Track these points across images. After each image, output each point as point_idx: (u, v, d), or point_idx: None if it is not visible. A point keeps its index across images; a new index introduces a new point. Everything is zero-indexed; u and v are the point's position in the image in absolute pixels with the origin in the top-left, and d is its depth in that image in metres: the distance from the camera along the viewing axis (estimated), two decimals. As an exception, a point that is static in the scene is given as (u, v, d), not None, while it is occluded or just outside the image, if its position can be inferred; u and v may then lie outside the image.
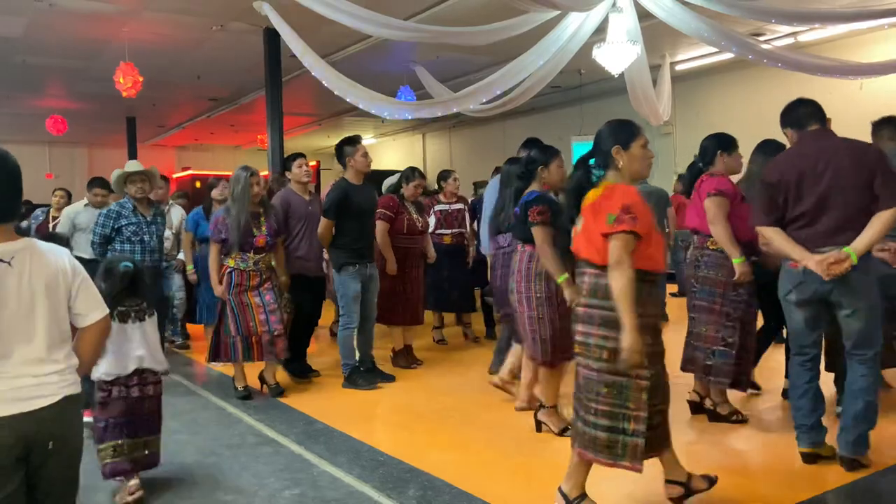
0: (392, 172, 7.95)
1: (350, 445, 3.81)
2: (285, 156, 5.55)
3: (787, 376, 4.05)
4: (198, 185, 14.24)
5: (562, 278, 3.61)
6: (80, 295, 2.00)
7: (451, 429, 4.08)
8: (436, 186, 6.92)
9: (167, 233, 6.17)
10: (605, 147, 2.79)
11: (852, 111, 9.83)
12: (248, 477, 3.39)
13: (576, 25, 7.21)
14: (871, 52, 9.02)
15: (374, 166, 6.08)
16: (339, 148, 5.13)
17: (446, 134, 17.78)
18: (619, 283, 2.56)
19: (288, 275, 5.06)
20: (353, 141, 5.13)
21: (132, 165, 5.40)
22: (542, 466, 3.47)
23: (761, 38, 8.92)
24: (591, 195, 2.73)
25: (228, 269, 4.70)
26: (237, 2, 7.44)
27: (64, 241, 4.41)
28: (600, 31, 7.29)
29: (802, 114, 3.41)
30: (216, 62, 10.11)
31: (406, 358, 5.68)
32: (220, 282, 4.74)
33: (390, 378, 5.15)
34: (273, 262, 4.87)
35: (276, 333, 4.71)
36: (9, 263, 1.85)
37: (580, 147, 11.52)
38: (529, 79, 7.95)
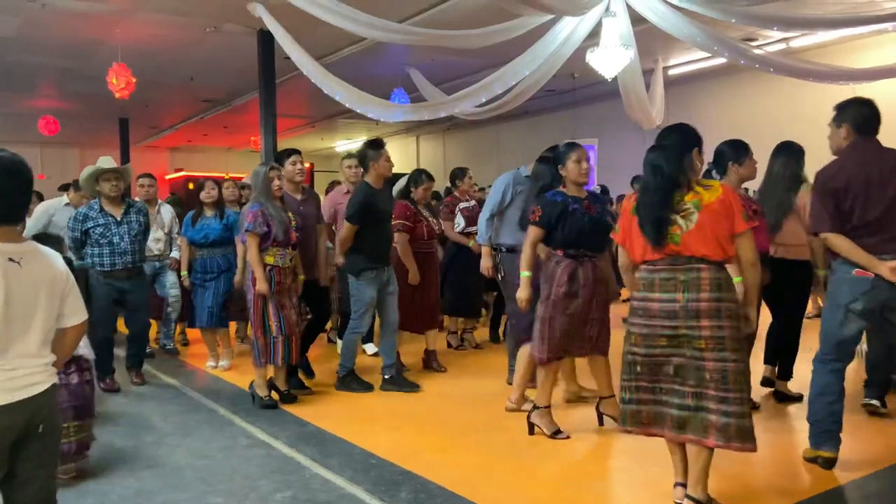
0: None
1: (342, 448, 3.80)
2: (284, 149, 5.38)
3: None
4: (191, 186, 14.21)
5: (523, 274, 3.87)
6: (69, 298, 2.12)
7: (444, 431, 4.08)
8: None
9: (158, 233, 6.05)
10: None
11: (843, 116, 9.95)
12: (240, 479, 3.38)
13: (569, 29, 7.24)
14: (862, 57, 9.09)
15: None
16: (363, 150, 5.00)
17: (440, 137, 17.80)
18: (758, 276, 2.87)
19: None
20: (378, 145, 4.98)
21: (105, 162, 5.16)
22: (535, 469, 3.47)
23: (753, 44, 8.98)
24: (706, 197, 2.80)
25: (268, 267, 4.49)
26: (231, 3, 7.43)
27: (57, 241, 4.40)
28: (594, 36, 7.32)
29: (869, 117, 3.33)
30: (210, 63, 10.10)
31: (435, 362, 5.57)
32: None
33: (415, 387, 4.95)
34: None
35: (300, 336, 4.66)
36: (18, 263, 1.96)
37: (573, 150, 11.52)
38: (523, 82, 7.97)
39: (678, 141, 2.94)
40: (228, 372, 5.67)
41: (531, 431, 3.94)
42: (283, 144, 10.50)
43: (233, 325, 6.29)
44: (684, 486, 2.88)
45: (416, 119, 9.88)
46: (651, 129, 9.46)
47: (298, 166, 5.18)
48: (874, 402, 4.17)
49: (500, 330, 6.58)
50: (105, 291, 5.00)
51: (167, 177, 18.55)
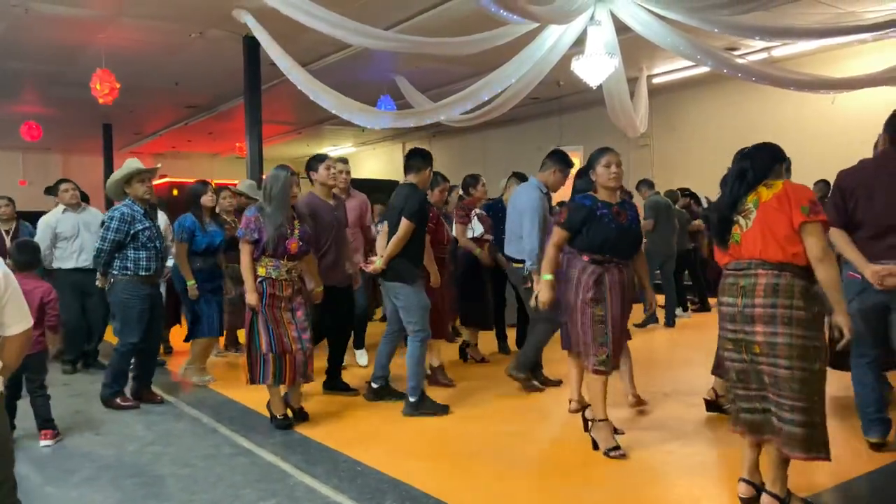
0: (372, 181, 7.97)
1: (327, 455, 3.78)
2: (317, 154, 5.21)
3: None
4: (175, 192, 14.11)
5: (546, 277, 3.75)
6: (8, 306, 2.06)
7: (430, 439, 4.07)
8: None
9: None
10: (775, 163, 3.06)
11: (825, 125, 10.09)
12: (224, 488, 3.35)
13: (555, 38, 7.29)
14: (843, 67, 9.22)
15: (353, 175, 6.08)
16: (411, 158, 4.80)
17: (426, 143, 17.82)
18: (831, 272, 2.67)
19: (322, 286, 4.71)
20: (428, 158, 4.83)
21: (136, 163, 4.94)
22: (521, 476, 3.47)
23: (736, 53, 9.09)
24: (764, 194, 2.77)
25: (259, 279, 4.23)
26: (217, 9, 7.42)
27: (32, 250, 4.34)
28: (579, 44, 7.38)
29: None
30: (195, 69, 10.06)
31: (442, 375, 5.32)
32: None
33: (402, 396, 4.64)
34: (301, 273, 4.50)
35: (309, 353, 4.32)
36: None
37: (559, 158, 11.59)
38: (509, 90, 8.01)
39: (769, 153, 2.96)
40: (216, 383, 5.62)
41: (595, 447, 3.71)
42: (268, 151, 10.50)
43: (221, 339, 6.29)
44: (747, 482, 2.92)
45: (403, 126, 9.89)
46: (635, 136, 9.55)
47: (333, 171, 5.00)
48: None
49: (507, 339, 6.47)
50: (143, 297, 4.79)
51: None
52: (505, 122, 12.72)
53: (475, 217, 6.12)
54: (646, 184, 8.48)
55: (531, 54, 7.46)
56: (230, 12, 7.34)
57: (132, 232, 4.74)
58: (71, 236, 5.89)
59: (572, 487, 3.35)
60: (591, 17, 7.03)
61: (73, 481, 3.47)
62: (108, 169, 15.21)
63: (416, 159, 4.77)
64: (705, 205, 10.12)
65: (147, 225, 4.82)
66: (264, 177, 5.53)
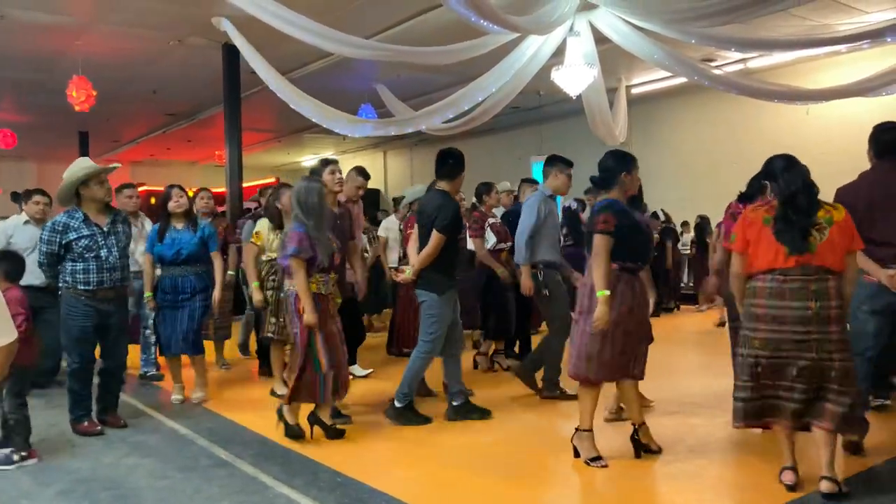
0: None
1: (307, 467, 3.74)
2: (322, 159, 5.00)
3: None
4: (153, 201, 13.98)
5: (601, 293, 3.50)
6: None
7: (411, 449, 4.05)
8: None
9: (142, 246, 5.44)
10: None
11: (799, 135, 10.25)
12: (202, 500, 3.30)
13: (535, 48, 7.35)
14: (816, 78, 9.38)
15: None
16: (444, 161, 4.63)
17: (407, 152, 17.84)
18: (853, 289, 3.28)
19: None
20: (461, 161, 4.68)
21: (85, 162, 4.47)
22: (502, 485, 3.46)
23: (712, 64, 9.22)
24: (836, 215, 3.19)
25: (313, 295, 4.06)
26: (195, 17, 7.38)
27: (18, 261, 4.20)
28: (559, 54, 7.44)
29: (887, 143, 3.76)
30: (173, 77, 9.99)
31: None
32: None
33: (487, 413, 4.56)
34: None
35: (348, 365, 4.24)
36: None
37: (540, 167, 11.67)
38: (490, 99, 8.05)
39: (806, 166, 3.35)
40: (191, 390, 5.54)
41: (576, 454, 3.71)
42: (248, 158, 10.43)
43: (209, 348, 6.03)
44: (792, 468, 3.22)
45: (384, 134, 9.89)
46: (614, 146, 9.63)
47: (338, 176, 4.84)
48: (879, 401, 4.44)
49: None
50: (85, 313, 4.31)
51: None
52: (486, 131, 12.77)
53: (488, 227, 5.99)
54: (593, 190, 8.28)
55: (511, 64, 7.51)
56: (209, 20, 7.30)
57: (64, 242, 4.29)
58: (28, 247, 5.30)
59: (555, 497, 3.36)
60: (571, 28, 7.10)
61: (48, 494, 3.40)
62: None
63: (450, 163, 4.59)
64: (662, 218, 10.35)
65: (87, 233, 4.30)
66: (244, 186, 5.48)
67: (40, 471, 3.74)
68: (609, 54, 7.83)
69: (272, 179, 14.75)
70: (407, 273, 4.51)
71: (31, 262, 5.15)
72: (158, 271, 5.12)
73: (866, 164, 3.92)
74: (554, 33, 7.06)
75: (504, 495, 3.34)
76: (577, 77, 7.37)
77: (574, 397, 4.86)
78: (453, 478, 3.58)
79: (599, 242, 3.56)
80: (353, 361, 5.87)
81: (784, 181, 3.24)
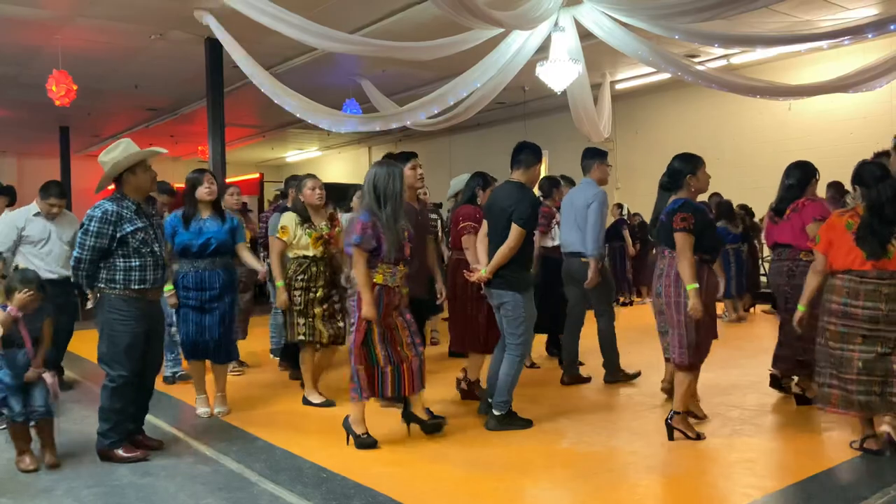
0: (339, 185, 7.86)
1: (292, 462, 3.73)
2: (403, 152, 4.79)
3: None
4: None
5: (691, 287, 3.75)
6: None
7: (395, 443, 4.05)
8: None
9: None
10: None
11: (781, 130, 10.35)
12: (185, 497, 3.28)
13: (519, 43, 7.35)
14: (798, 74, 9.47)
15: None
16: (520, 152, 4.42)
17: (393, 147, 17.79)
18: None
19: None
20: (538, 153, 4.48)
21: (130, 146, 3.91)
22: (487, 479, 3.47)
23: (696, 60, 9.27)
24: None
25: (376, 287, 3.89)
26: (177, 10, 7.30)
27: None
28: (543, 50, 7.45)
29: None
30: (155, 71, 9.89)
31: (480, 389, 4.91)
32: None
33: (529, 423, 4.31)
34: None
35: (423, 358, 4.04)
36: None
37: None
38: (475, 94, 8.05)
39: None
40: (173, 386, 5.50)
41: (671, 437, 3.93)
42: (231, 154, 10.37)
43: None
44: (872, 435, 3.64)
45: (369, 129, 9.86)
46: (599, 141, 9.67)
47: (419, 171, 4.66)
48: None
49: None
50: (137, 317, 3.79)
51: (110, 186, 18.03)
52: (471, 126, 12.78)
53: (555, 225, 5.83)
54: (568, 181, 8.16)
55: (496, 59, 7.51)
56: (191, 14, 7.23)
57: (119, 235, 3.73)
58: (38, 241, 5.15)
59: (538, 489, 3.37)
60: (555, 24, 7.10)
61: (30, 493, 3.36)
62: (66, 172, 14.84)
63: (526, 153, 4.39)
64: (625, 213, 10.70)
65: (140, 225, 3.80)
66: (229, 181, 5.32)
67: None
68: (593, 50, 7.85)
69: (255, 175, 14.67)
70: (482, 272, 4.23)
71: (45, 253, 5.17)
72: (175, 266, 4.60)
73: (847, 159, 3.99)
74: (538, 29, 7.07)
75: (490, 489, 3.34)
76: (561, 73, 7.38)
77: (633, 376, 5.40)
78: (438, 472, 3.58)
79: (683, 240, 3.79)
80: None
81: (877, 190, 3.57)
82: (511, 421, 4.23)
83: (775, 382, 4.84)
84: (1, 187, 6.45)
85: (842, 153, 5.81)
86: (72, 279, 3.98)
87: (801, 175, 4.60)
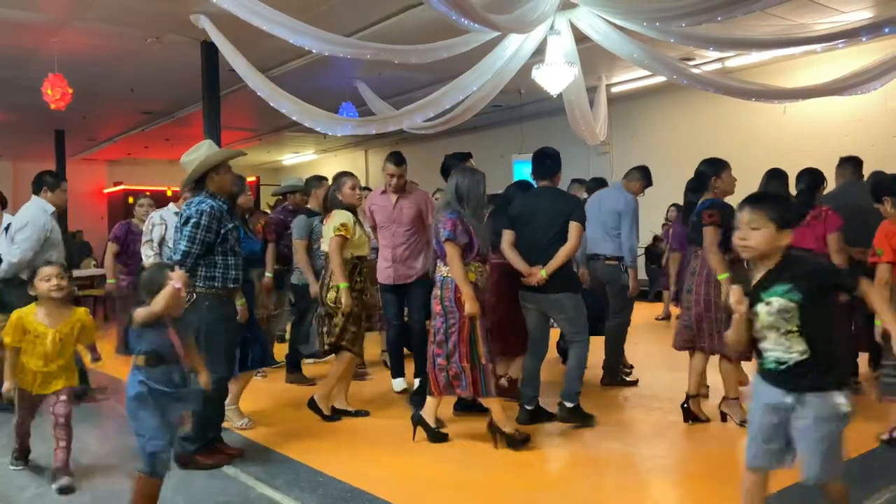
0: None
1: (288, 466, 3.72)
2: (456, 153, 4.89)
3: None
4: (130, 200, 13.82)
5: (722, 276, 3.99)
6: None
7: (392, 448, 4.04)
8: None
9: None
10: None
11: (776, 133, 10.37)
12: (181, 502, 3.27)
13: (515, 46, 7.36)
14: (793, 77, 9.49)
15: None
16: (543, 159, 4.55)
17: (389, 150, 17.76)
18: None
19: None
20: (559, 158, 4.65)
21: (213, 146, 3.97)
22: (484, 482, 3.47)
23: (691, 63, 9.28)
24: None
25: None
26: (174, 14, 7.29)
27: None
28: (539, 53, 7.46)
29: None
30: (151, 75, 9.87)
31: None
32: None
33: (593, 419, 4.39)
34: None
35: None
36: None
37: (521, 165, 11.71)
38: (471, 97, 8.05)
39: None
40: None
41: (724, 419, 4.28)
42: (227, 157, 10.31)
43: None
44: None
45: (365, 133, 9.85)
46: (595, 144, 9.69)
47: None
48: None
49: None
50: (232, 317, 3.86)
51: (105, 190, 18.02)
52: (467, 129, 12.77)
53: None
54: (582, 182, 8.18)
55: (492, 63, 7.51)
56: (188, 17, 7.22)
57: (222, 231, 3.71)
58: (59, 240, 4.98)
59: (532, 490, 3.37)
60: (551, 27, 7.11)
61: (25, 496, 3.35)
62: (61, 176, 14.78)
63: (547, 162, 4.53)
64: None
65: (234, 224, 3.84)
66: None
67: (15, 473, 3.68)
68: (589, 53, 7.86)
69: (252, 178, 14.67)
70: (542, 273, 4.24)
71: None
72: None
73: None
74: (534, 32, 7.07)
75: (488, 492, 3.34)
76: (557, 75, 7.39)
77: (631, 383, 5.44)
78: (435, 476, 3.58)
79: (711, 234, 4.04)
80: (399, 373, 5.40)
81: None
82: (581, 413, 4.36)
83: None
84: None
85: (836, 156, 5.83)
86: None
87: (810, 180, 4.81)
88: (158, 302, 2.78)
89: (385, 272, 5.14)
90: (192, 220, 3.65)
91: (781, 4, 6.87)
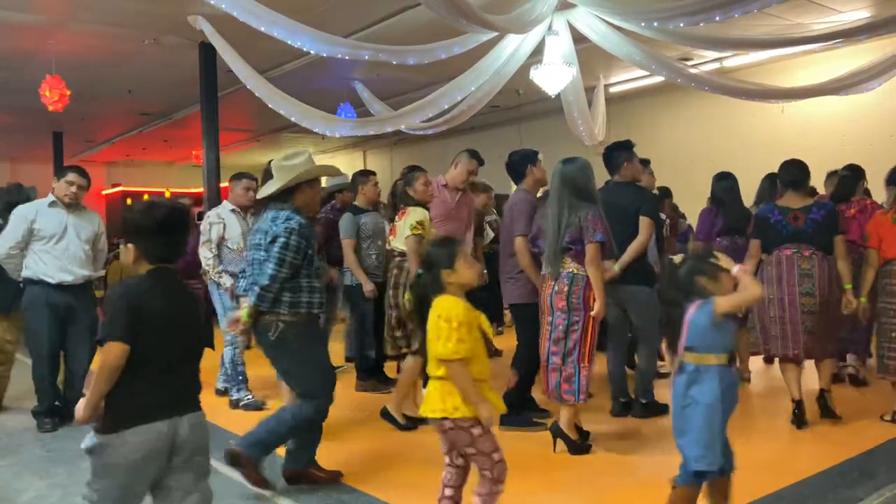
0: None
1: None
2: (529, 151, 4.72)
3: None
4: (129, 202, 13.81)
5: (848, 286, 4.25)
6: None
7: (392, 450, 4.03)
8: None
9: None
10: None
11: (774, 133, 10.37)
12: None
13: (513, 47, 7.36)
14: (791, 77, 9.50)
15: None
16: (612, 153, 4.63)
17: (388, 151, 17.80)
18: None
19: None
20: (630, 147, 4.72)
21: (311, 158, 3.63)
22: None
23: (689, 63, 9.29)
24: None
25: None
26: (171, 15, 7.29)
27: None
28: (537, 53, 7.46)
29: None
30: (149, 76, 9.86)
31: None
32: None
33: (666, 408, 4.27)
34: None
35: None
36: None
37: (519, 165, 11.69)
38: (469, 98, 8.05)
39: None
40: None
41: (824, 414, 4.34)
42: (225, 158, 10.32)
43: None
44: None
45: (363, 134, 9.85)
46: (593, 144, 9.69)
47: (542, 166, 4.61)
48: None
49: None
50: (320, 334, 3.84)
51: (104, 192, 18.00)
52: (466, 130, 12.77)
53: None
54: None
55: (490, 63, 7.51)
56: (185, 18, 7.21)
57: (309, 252, 3.35)
58: (53, 236, 4.47)
59: (539, 493, 3.36)
60: (549, 27, 7.11)
61: (24, 500, 3.34)
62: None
63: (615, 155, 4.57)
64: None
65: (315, 245, 3.46)
66: (229, 184, 5.04)
67: (15, 477, 3.67)
68: (587, 53, 7.86)
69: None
70: (615, 268, 4.19)
71: (60, 250, 4.47)
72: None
73: (840, 161, 4.01)
74: (532, 32, 7.07)
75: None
76: (555, 76, 7.39)
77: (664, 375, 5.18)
78: (435, 478, 3.57)
79: (752, 243, 4.39)
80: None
81: None
82: (656, 406, 4.47)
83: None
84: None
85: (834, 155, 5.85)
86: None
87: (853, 171, 5.21)
88: None
89: None
90: (281, 240, 3.24)
91: (779, 4, 6.88)
